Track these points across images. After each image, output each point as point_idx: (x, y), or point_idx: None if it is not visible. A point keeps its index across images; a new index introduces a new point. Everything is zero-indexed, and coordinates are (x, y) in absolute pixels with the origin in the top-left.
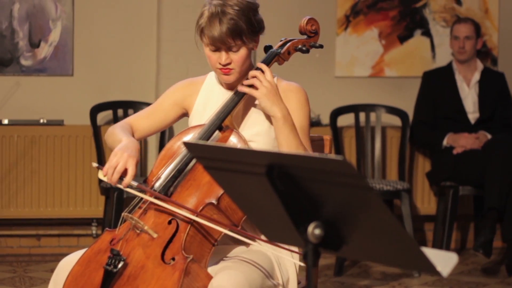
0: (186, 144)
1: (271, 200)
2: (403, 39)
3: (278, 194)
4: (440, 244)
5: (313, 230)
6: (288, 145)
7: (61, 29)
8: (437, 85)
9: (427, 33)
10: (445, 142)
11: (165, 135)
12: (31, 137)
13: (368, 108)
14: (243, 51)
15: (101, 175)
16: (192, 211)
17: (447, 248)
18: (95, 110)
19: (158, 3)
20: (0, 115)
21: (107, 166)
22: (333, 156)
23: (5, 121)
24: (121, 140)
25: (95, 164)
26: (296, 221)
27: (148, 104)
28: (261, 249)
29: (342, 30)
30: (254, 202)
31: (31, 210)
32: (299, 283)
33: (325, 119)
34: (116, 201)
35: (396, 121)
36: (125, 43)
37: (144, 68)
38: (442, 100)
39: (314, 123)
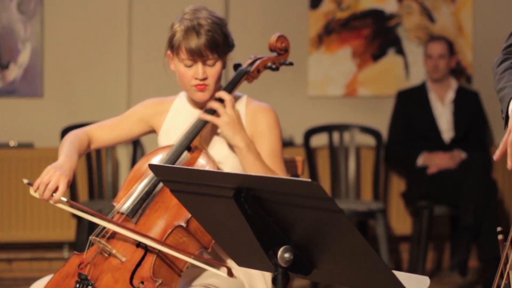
0: (151, 166)
1: (240, 224)
2: (376, 57)
3: (246, 217)
4: (416, 264)
5: (283, 254)
6: (255, 173)
7: (30, 50)
8: (411, 104)
9: (400, 51)
10: (419, 161)
11: (136, 156)
12: (1, 160)
13: (342, 128)
14: (218, 65)
15: (32, 191)
16: (157, 241)
17: (423, 268)
18: (66, 132)
19: (128, 23)
20: None
21: (38, 181)
22: (301, 178)
23: None
24: (59, 157)
25: (25, 181)
26: (265, 245)
27: None
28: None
29: (315, 49)
30: (222, 226)
31: (2, 234)
32: None
33: (299, 139)
34: (88, 224)
35: (370, 140)
36: (96, 64)
37: (115, 89)
38: (416, 119)
39: (287, 143)
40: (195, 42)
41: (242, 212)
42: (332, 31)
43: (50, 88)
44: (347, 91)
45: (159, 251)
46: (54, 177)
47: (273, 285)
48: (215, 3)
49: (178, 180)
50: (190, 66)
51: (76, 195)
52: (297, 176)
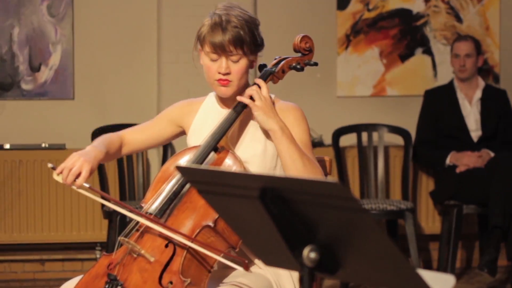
0: (179, 168)
1: (265, 224)
2: (404, 57)
3: (272, 217)
4: (445, 263)
5: (309, 253)
6: (290, 156)
7: (61, 53)
8: (439, 104)
9: (428, 51)
10: (448, 160)
11: (166, 157)
12: (33, 161)
13: (370, 127)
14: (242, 63)
15: (55, 175)
16: (187, 237)
17: (452, 267)
18: (97, 133)
19: (158, 26)
20: (2, 139)
21: (62, 166)
22: (327, 178)
23: (7, 146)
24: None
25: (50, 165)
26: (291, 245)
27: None
28: (260, 271)
29: (343, 50)
30: (249, 226)
31: (35, 235)
32: None
33: (327, 140)
34: (119, 224)
35: (399, 140)
36: (126, 66)
37: (145, 90)
38: (444, 118)
39: (316, 143)
40: (219, 36)
41: (267, 212)
42: (360, 32)
43: (81, 90)
44: (375, 91)
45: (188, 251)
46: (78, 163)
47: (300, 285)
48: (242, 4)
49: (204, 181)
50: (215, 60)
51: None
52: (326, 175)
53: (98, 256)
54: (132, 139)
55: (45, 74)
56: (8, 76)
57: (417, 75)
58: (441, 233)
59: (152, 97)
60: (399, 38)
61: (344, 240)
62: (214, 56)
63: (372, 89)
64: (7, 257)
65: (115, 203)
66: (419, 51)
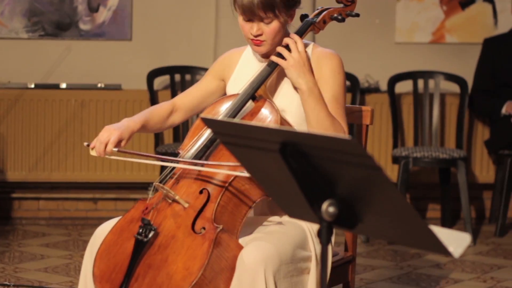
0: (203, 119)
1: (286, 178)
2: (464, 5)
3: (292, 171)
4: (498, 212)
5: (327, 208)
6: (315, 117)
7: None
8: (498, 53)
9: None
10: (504, 110)
11: None
12: (89, 101)
13: (427, 75)
14: (275, 24)
15: (91, 151)
16: (222, 182)
17: (504, 216)
18: (152, 75)
19: None
20: (58, 79)
21: (94, 140)
22: (341, 135)
23: (63, 85)
24: None
25: (85, 143)
26: (310, 199)
27: (205, 70)
28: (295, 220)
29: None
30: (271, 178)
31: (88, 174)
32: (336, 254)
33: (384, 86)
34: (160, 168)
35: (455, 88)
36: (184, 8)
37: (203, 33)
38: (502, 67)
39: (372, 89)
40: (248, 1)
41: (287, 166)
42: None
43: (138, 31)
44: (434, 38)
45: (221, 198)
46: (106, 132)
47: (319, 238)
48: None
49: (227, 132)
50: (247, 21)
51: (162, 139)
52: (366, 126)
53: (151, 196)
54: (182, 103)
55: (103, 15)
56: (66, 16)
57: (477, 23)
58: (495, 183)
59: (210, 40)
60: None
61: (361, 196)
62: (245, 17)
63: (431, 36)
64: (60, 195)
65: (149, 157)
66: None
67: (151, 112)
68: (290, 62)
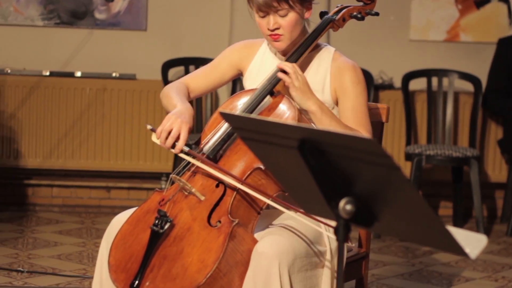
0: (222, 114)
1: (304, 174)
2: (479, 4)
3: (310, 168)
4: (510, 212)
5: (345, 205)
6: None
7: None
8: None
9: None
10: None
11: (235, 90)
12: (103, 90)
13: (441, 73)
14: (291, 16)
15: (154, 138)
16: (238, 179)
17: None
18: (167, 65)
19: None
20: (73, 67)
21: (160, 129)
22: (360, 134)
23: (78, 74)
24: (175, 105)
25: (149, 126)
26: (328, 196)
27: None
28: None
29: None
30: (289, 174)
31: (102, 162)
32: (350, 250)
33: (397, 83)
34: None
35: (469, 87)
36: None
37: (217, 24)
38: None
39: (386, 86)
40: None
41: (305, 163)
42: None
43: (154, 22)
44: (449, 36)
45: (238, 191)
46: (176, 124)
47: (336, 235)
48: None
49: (246, 128)
50: (263, 17)
51: None
52: (382, 123)
53: (163, 187)
54: (196, 87)
55: (118, 4)
56: (82, 5)
57: (492, 23)
58: (507, 182)
59: (224, 31)
60: None
61: (379, 194)
62: (262, 13)
63: (446, 34)
64: (74, 182)
65: (214, 168)
66: None
67: (184, 94)
68: (297, 84)
